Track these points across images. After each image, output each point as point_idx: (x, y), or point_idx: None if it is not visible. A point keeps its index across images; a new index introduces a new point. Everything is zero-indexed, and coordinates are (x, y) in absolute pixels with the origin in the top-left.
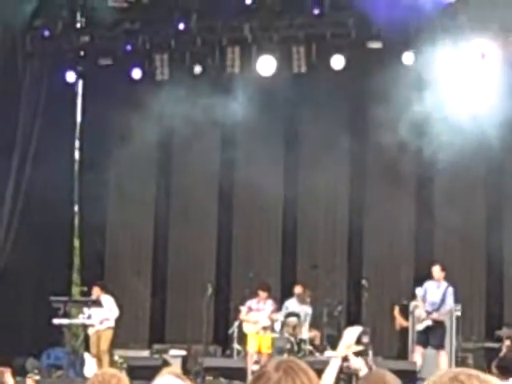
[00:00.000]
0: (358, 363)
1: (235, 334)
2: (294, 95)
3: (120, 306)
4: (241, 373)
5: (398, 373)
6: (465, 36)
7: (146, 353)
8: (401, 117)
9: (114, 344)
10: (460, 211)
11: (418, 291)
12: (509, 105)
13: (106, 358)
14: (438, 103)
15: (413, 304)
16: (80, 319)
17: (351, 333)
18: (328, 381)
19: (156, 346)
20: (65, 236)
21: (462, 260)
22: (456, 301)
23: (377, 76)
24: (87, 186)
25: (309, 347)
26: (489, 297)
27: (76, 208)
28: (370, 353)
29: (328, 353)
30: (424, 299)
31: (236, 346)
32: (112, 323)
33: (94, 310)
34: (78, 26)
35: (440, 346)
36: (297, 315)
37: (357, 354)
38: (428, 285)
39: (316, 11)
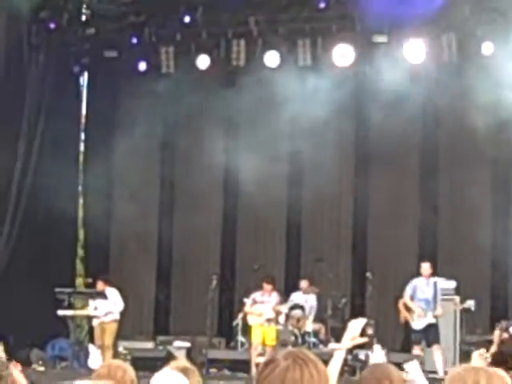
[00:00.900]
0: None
1: (239, 326)
2: (299, 88)
3: (124, 297)
4: (245, 365)
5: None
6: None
7: (150, 344)
8: (405, 110)
9: (119, 336)
10: (465, 205)
11: (407, 290)
12: None
13: (109, 353)
14: (443, 96)
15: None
16: (85, 311)
17: (355, 325)
18: (332, 373)
19: (160, 338)
20: (69, 227)
21: (467, 253)
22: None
23: (382, 70)
24: (92, 177)
25: (313, 339)
26: (493, 289)
27: (81, 200)
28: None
29: (332, 345)
30: (413, 297)
31: (240, 338)
32: (116, 316)
33: (99, 302)
34: (84, 18)
35: (437, 341)
36: (301, 308)
37: (361, 345)
38: (417, 282)
39: (321, 4)
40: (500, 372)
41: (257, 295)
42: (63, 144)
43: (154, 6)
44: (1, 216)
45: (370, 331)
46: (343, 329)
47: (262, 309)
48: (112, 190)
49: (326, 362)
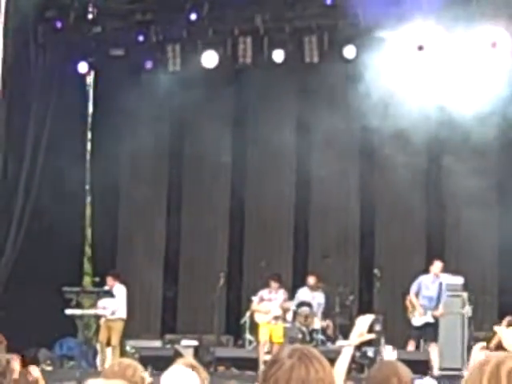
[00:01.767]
0: None
1: (247, 324)
2: (306, 85)
3: (132, 296)
4: (252, 363)
5: (411, 363)
6: (475, 24)
7: (157, 343)
8: (411, 106)
9: (126, 334)
10: (472, 201)
11: (413, 286)
12: None
13: (116, 352)
14: (448, 92)
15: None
16: (93, 310)
17: (363, 321)
18: (340, 370)
19: (168, 336)
20: (77, 226)
21: (475, 249)
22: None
23: (387, 65)
24: (99, 176)
25: (321, 337)
26: (501, 285)
27: (88, 198)
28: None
29: (340, 342)
30: (418, 294)
31: (248, 336)
32: (123, 315)
33: (107, 301)
34: (90, 16)
35: (434, 339)
36: (309, 305)
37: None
38: (423, 279)
39: (328, 1)
40: None
41: (264, 293)
42: (70, 143)
43: (160, 4)
44: (8, 215)
45: (377, 327)
46: (351, 326)
47: (269, 306)
48: (119, 188)
49: (333, 360)
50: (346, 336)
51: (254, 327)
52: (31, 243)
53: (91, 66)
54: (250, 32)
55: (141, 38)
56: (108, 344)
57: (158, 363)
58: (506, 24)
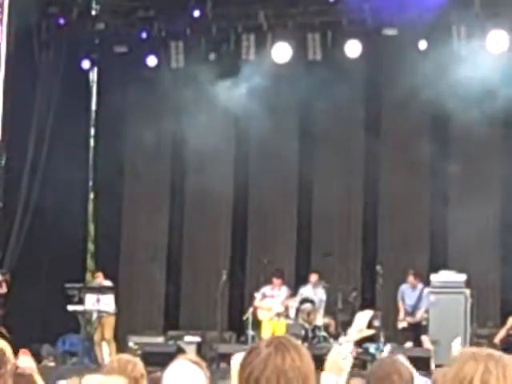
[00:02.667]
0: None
1: (250, 321)
2: (309, 82)
3: (135, 292)
4: None
5: (412, 360)
6: (479, 25)
7: (160, 339)
8: (415, 103)
9: (129, 330)
10: (475, 198)
11: (398, 293)
12: None
13: (112, 347)
14: (452, 90)
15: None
16: (95, 306)
17: (362, 317)
18: (333, 363)
19: (171, 333)
20: (80, 222)
21: (477, 245)
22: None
23: (392, 63)
24: (102, 172)
25: (323, 334)
26: (504, 282)
27: (91, 194)
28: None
29: (342, 339)
30: (403, 300)
31: (250, 332)
32: (113, 309)
33: (107, 297)
34: (93, 13)
35: (424, 333)
36: (311, 301)
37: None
38: (404, 288)
39: None
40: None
41: (266, 289)
42: (73, 139)
43: (163, 1)
44: (11, 211)
45: (376, 323)
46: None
47: (271, 303)
48: (122, 184)
49: None
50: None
51: (256, 324)
52: (34, 239)
53: (94, 63)
54: (253, 29)
55: (144, 35)
56: (102, 339)
57: (160, 359)
58: (508, 25)
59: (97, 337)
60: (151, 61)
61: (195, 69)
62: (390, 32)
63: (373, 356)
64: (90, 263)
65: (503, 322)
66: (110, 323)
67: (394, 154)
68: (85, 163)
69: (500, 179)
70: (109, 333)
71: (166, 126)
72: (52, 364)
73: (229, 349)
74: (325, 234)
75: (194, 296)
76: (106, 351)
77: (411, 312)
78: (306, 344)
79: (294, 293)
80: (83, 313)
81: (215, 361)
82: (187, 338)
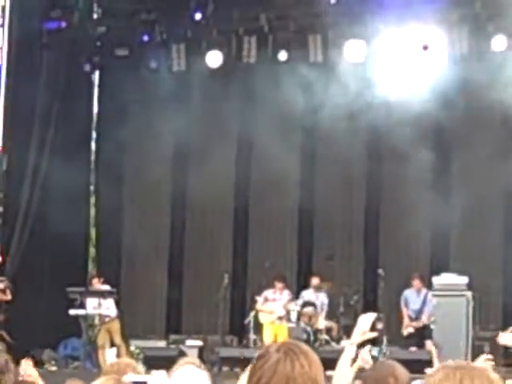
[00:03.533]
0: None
1: (251, 324)
2: (311, 84)
3: (137, 296)
4: None
5: (414, 362)
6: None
7: (162, 343)
8: (416, 103)
9: (131, 334)
10: (477, 200)
11: (402, 299)
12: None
13: (123, 350)
14: (453, 89)
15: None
16: (97, 310)
17: (365, 319)
18: (343, 368)
19: (172, 337)
20: (81, 227)
21: (479, 248)
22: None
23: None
24: (104, 176)
25: (325, 337)
26: (506, 284)
27: (92, 199)
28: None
29: (344, 342)
30: (407, 306)
31: (252, 336)
32: (114, 313)
33: (109, 301)
34: (95, 16)
35: (429, 338)
36: (313, 305)
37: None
38: (408, 293)
39: (332, 0)
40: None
41: (268, 293)
42: (75, 142)
43: (164, 4)
44: (13, 215)
45: (379, 325)
46: (355, 325)
47: (273, 307)
48: (123, 188)
49: (337, 360)
50: (350, 336)
51: (258, 327)
52: (35, 244)
53: (96, 66)
54: (254, 31)
55: (145, 38)
56: (112, 345)
57: (162, 363)
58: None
59: (99, 341)
60: (153, 64)
61: (196, 72)
62: (388, 32)
63: (376, 359)
64: (91, 267)
65: (505, 325)
66: (116, 328)
67: (397, 154)
68: (86, 167)
69: (500, 176)
70: (118, 338)
71: (168, 128)
72: (54, 368)
73: (230, 352)
74: (326, 237)
75: (196, 300)
76: (113, 356)
77: (415, 318)
78: None
79: (295, 296)
80: (85, 317)
81: (217, 364)
82: (189, 342)
